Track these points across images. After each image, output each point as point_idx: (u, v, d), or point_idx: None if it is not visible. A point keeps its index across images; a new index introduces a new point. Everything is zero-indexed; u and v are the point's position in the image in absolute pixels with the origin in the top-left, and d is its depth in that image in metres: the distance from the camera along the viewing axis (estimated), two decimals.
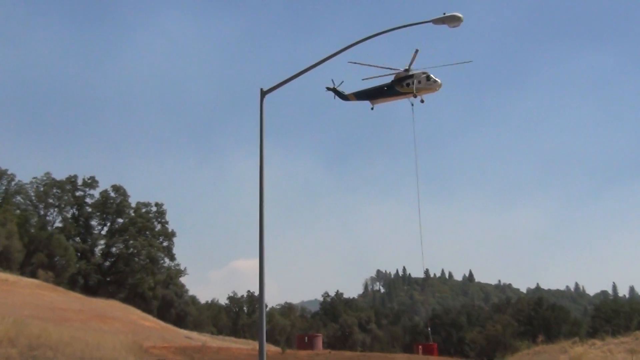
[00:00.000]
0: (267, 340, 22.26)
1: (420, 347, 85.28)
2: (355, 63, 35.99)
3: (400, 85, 39.85)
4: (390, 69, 39.05)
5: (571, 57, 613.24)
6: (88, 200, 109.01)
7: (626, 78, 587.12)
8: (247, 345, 75.96)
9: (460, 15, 21.20)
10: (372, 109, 41.69)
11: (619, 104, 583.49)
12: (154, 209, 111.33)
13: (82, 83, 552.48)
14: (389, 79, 40.41)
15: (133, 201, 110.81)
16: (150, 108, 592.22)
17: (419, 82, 39.21)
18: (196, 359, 44.96)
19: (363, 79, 39.86)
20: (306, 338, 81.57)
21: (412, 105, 39.83)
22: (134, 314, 79.09)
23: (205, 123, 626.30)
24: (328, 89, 41.09)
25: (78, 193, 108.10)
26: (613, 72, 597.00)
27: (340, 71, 39.92)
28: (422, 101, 39.84)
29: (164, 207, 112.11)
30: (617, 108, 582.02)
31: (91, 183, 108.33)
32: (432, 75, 39.28)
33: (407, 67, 39.16)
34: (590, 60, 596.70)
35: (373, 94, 41.31)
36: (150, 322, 76.64)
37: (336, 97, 41.49)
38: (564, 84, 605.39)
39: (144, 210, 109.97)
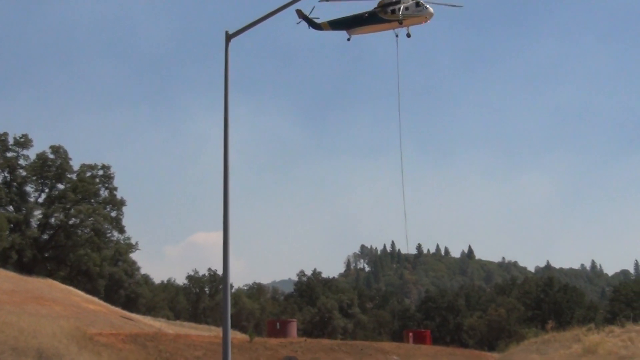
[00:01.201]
0: (232, 327, 22.37)
1: (411, 334, 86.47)
2: (327, 0, 36.15)
3: (384, 12, 40.17)
4: None
5: None
6: (22, 162, 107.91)
7: None
8: (209, 332, 76.39)
9: None
10: (348, 39, 42.21)
11: None
12: (100, 172, 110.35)
13: (11, 23, 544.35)
14: (354, 7, 40.79)
15: (75, 164, 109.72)
16: (93, 53, 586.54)
17: (407, 8, 39.56)
18: (149, 348, 45.10)
19: (320, 1, 39.78)
20: (278, 324, 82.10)
21: (397, 36, 40.33)
22: (77, 295, 79.06)
23: (159, 71, 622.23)
24: (300, 14, 41.03)
25: (9, 154, 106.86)
26: (638, 13, 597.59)
27: (319, 12, 39.72)
28: (408, 35, 40.27)
29: (112, 170, 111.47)
30: None
31: (24, 142, 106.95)
32: (422, 2, 39.53)
33: None
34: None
35: (351, 23, 41.61)
36: (95, 305, 76.72)
37: (302, 22, 41.65)
38: (579, 28, 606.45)
39: (88, 174, 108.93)
